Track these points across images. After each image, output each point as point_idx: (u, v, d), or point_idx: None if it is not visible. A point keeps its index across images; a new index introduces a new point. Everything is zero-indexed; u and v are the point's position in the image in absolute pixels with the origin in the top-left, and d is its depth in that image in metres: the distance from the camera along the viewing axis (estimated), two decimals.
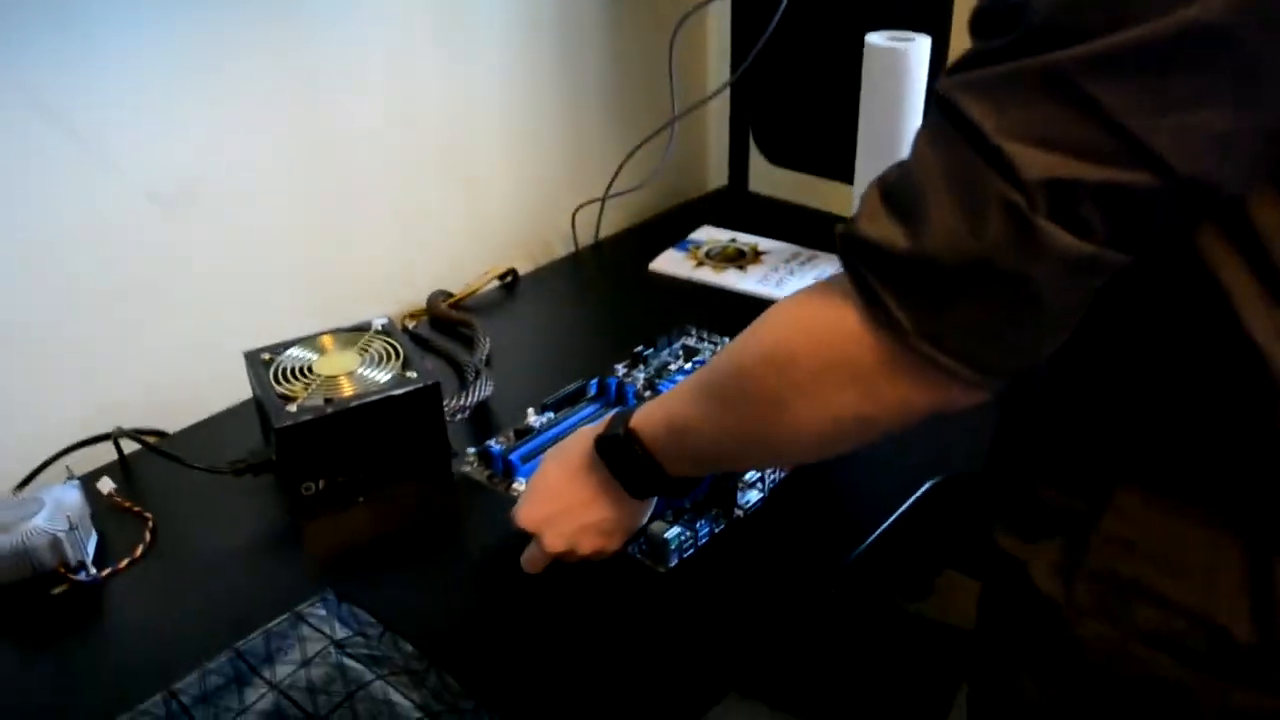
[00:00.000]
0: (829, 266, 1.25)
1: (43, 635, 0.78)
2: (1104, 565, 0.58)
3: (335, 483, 0.91)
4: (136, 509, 0.89)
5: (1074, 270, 0.49)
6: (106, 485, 0.90)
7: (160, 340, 1.04)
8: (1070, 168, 0.47)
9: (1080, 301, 0.52)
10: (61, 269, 0.95)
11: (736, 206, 1.48)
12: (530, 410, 0.94)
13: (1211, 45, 0.45)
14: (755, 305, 1.20)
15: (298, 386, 0.91)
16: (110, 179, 0.96)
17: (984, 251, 0.49)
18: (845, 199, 1.29)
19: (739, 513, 0.84)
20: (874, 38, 1.15)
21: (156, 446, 0.92)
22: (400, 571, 0.83)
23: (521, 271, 1.30)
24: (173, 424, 1.01)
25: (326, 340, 0.97)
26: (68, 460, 0.92)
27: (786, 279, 1.23)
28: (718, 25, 1.47)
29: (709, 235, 1.35)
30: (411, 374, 0.93)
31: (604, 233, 1.40)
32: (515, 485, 0.89)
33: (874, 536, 0.84)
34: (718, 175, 1.56)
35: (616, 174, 1.36)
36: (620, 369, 1.01)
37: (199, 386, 1.04)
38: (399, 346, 0.96)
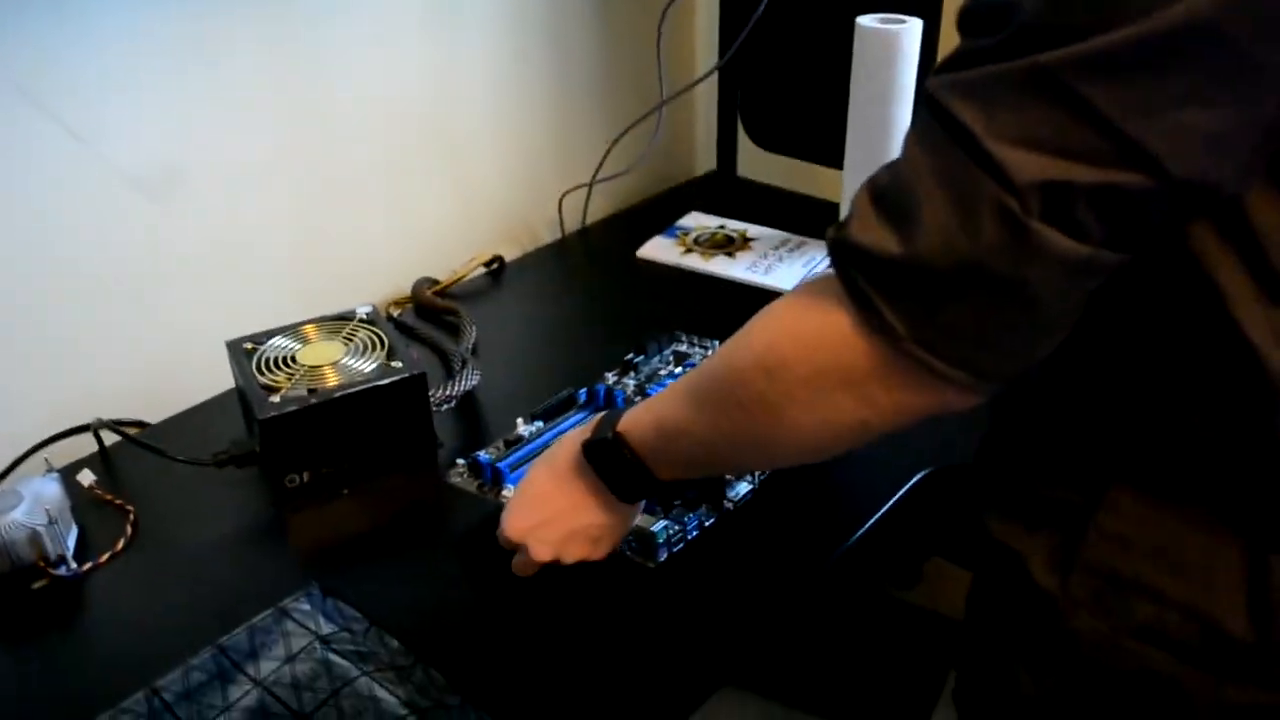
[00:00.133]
0: (818, 253, 1.24)
1: (22, 631, 0.77)
2: (1100, 560, 0.57)
3: (320, 474, 0.89)
4: (118, 502, 0.87)
5: (1069, 272, 0.49)
6: (87, 477, 0.88)
7: (142, 329, 1.02)
8: (1063, 170, 0.46)
9: (1076, 303, 0.51)
10: (42, 257, 0.93)
11: (725, 192, 1.47)
12: (519, 420, 0.93)
13: (1203, 43, 0.44)
14: (744, 292, 1.21)
15: (281, 377, 0.90)
16: (92, 165, 0.94)
17: (978, 255, 0.48)
18: (835, 184, 1.28)
19: (728, 505, 0.83)
20: (865, 20, 1.14)
21: (137, 438, 0.90)
22: (386, 565, 0.82)
23: (508, 258, 1.29)
24: (155, 414, 0.99)
25: (310, 329, 0.96)
26: (47, 452, 0.91)
27: (775, 266, 1.22)
28: (706, 7, 1.45)
29: (697, 221, 1.34)
30: (396, 363, 0.91)
31: (591, 219, 1.38)
32: (505, 493, 0.87)
33: (865, 528, 0.83)
34: (706, 160, 1.55)
35: (603, 159, 1.34)
36: (610, 376, 0.99)
37: (181, 376, 1.03)
38: (384, 335, 0.95)
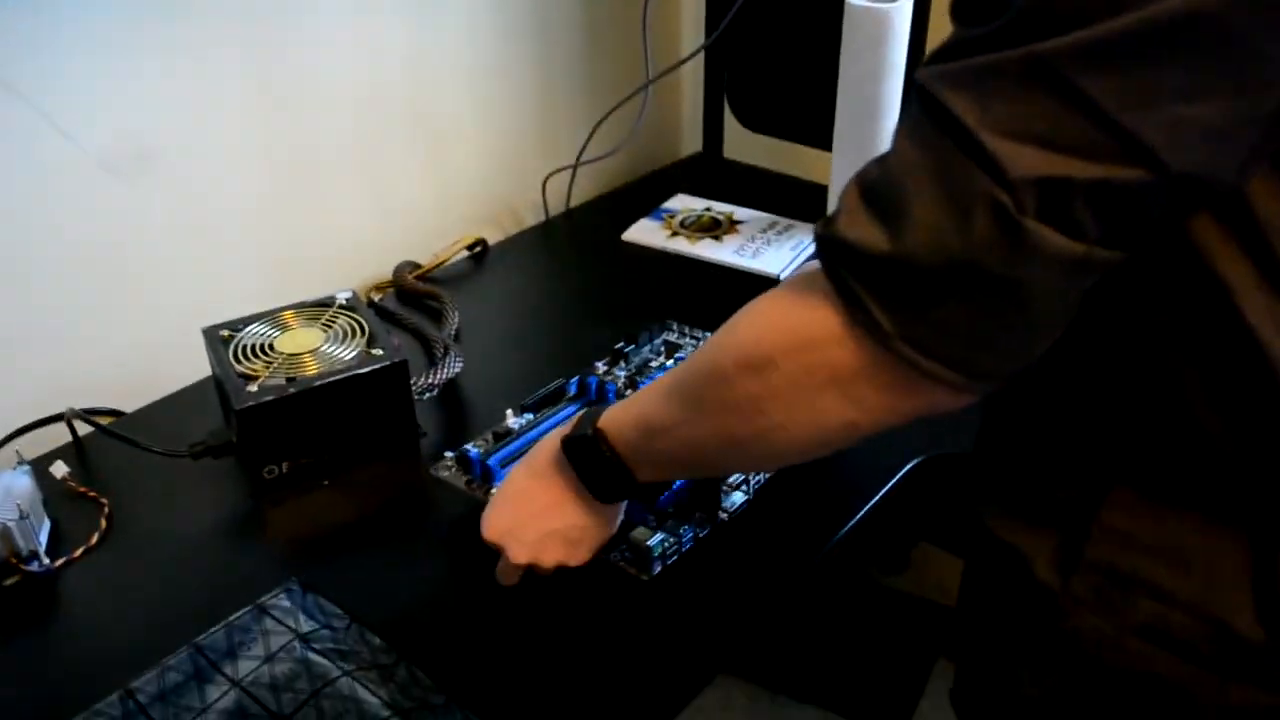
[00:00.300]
0: (806, 236, 1.23)
1: None
2: (1103, 557, 0.56)
3: (299, 465, 0.87)
4: (92, 494, 0.85)
5: (1064, 271, 0.47)
6: (60, 469, 0.86)
7: (115, 316, 1.00)
8: (1060, 165, 0.45)
9: (1071, 302, 0.50)
10: (9, 242, 0.91)
11: (711, 174, 1.45)
12: (509, 412, 0.90)
13: (1204, 33, 0.43)
14: (731, 276, 1.19)
15: (259, 365, 0.88)
16: (60, 146, 0.91)
17: (970, 253, 0.47)
18: (823, 166, 1.26)
19: (723, 516, 0.81)
20: None
21: (111, 429, 0.88)
22: (368, 559, 0.80)
23: (491, 241, 1.26)
24: (130, 403, 0.97)
25: (289, 316, 0.94)
26: (18, 444, 0.88)
27: (763, 249, 1.20)
28: None
29: (683, 204, 1.32)
30: (377, 351, 0.89)
31: (575, 201, 1.36)
32: (493, 490, 0.84)
33: (856, 519, 0.82)
34: (691, 141, 1.53)
35: (588, 140, 1.32)
36: (601, 366, 0.97)
37: (157, 364, 1.00)
38: (364, 322, 0.93)
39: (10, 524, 0.76)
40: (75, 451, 0.91)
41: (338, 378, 0.86)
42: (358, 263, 1.18)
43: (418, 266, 1.19)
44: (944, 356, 0.50)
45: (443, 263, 1.20)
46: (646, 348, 0.99)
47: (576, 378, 0.93)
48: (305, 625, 0.72)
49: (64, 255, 0.94)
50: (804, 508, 0.83)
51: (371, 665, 0.69)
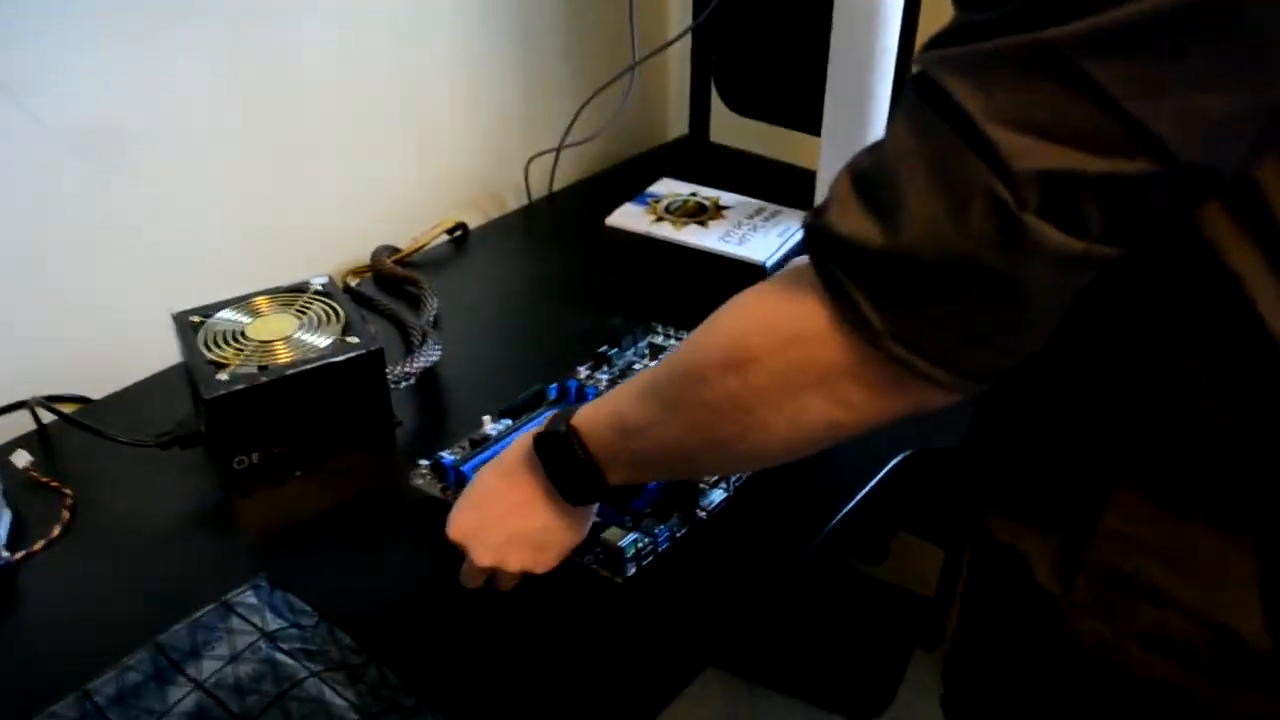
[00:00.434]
0: (793, 223, 1.20)
1: None
2: (1106, 561, 0.54)
3: (270, 455, 0.85)
4: (55, 484, 0.82)
5: (1063, 268, 0.46)
6: (22, 458, 0.83)
7: (83, 300, 0.97)
8: (1065, 158, 0.43)
9: (1066, 299, 0.48)
10: None
11: (697, 158, 1.43)
12: (486, 418, 0.87)
13: (1216, 21, 0.41)
14: (717, 263, 1.16)
15: (229, 352, 0.85)
16: (28, 128, 0.88)
17: (966, 249, 0.45)
18: (811, 151, 1.24)
19: (701, 514, 0.78)
20: None
21: (75, 417, 0.85)
22: (339, 554, 0.78)
23: (471, 225, 1.24)
24: (97, 390, 0.94)
25: (261, 302, 0.91)
26: None
27: (750, 235, 1.18)
28: None
29: (668, 188, 1.29)
30: (353, 339, 0.87)
31: (558, 184, 1.34)
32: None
33: (840, 516, 0.80)
34: (678, 124, 1.50)
35: (572, 123, 1.29)
36: (583, 370, 0.94)
37: (126, 350, 0.97)
38: (339, 308, 0.90)
39: None
40: (38, 440, 0.88)
41: (311, 366, 0.84)
42: (334, 247, 1.15)
43: (396, 251, 1.16)
44: (935, 355, 0.48)
45: (422, 247, 1.18)
46: (630, 351, 0.96)
47: (556, 384, 0.90)
48: (272, 623, 0.69)
49: (31, 239, 0.91)
50: (786, 505, 0.81)
51: (340, 665, 0.67)
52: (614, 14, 1.28)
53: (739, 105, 1.39)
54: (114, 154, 0.95)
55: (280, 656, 0.67)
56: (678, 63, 1.46)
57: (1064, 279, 0.46)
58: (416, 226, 1.19)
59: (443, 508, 0.72)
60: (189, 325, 0.88)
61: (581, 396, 0.89)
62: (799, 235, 1.18)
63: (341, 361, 0.85)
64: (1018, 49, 0.43)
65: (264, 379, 0.82)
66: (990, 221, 0.44)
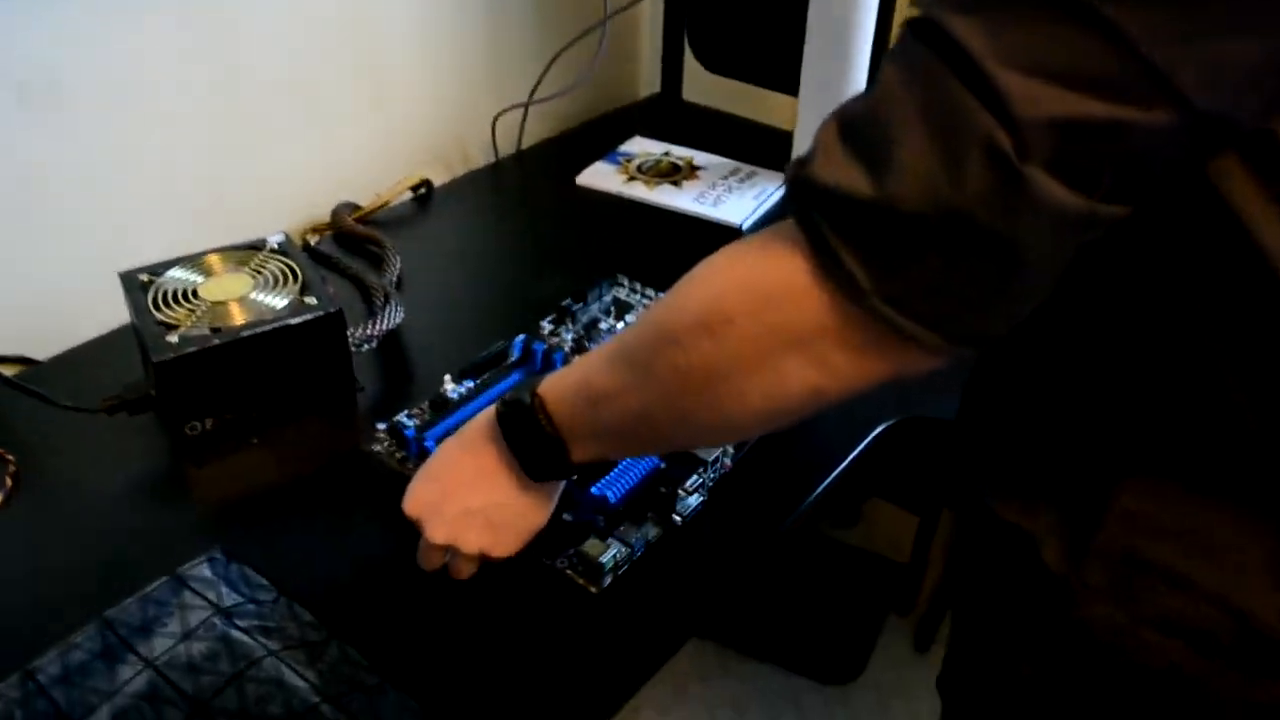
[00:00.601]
0: (770, 184, 1.17)
1: None
2: (1118, 543, 0.52)
3: (224, 421, 0.81)
4: None
5: (1064, 227, 0.43)
6: None
7: (27, 255, 0.92)
8: (1076, 105, 0.40)
9: (1064, 261, 0.45)
10: None
11: (669, 116, 1.39)
12: (447, 378, 0.83)
13: None
14: (691, 225, 1.13)
15: (180, 313, 0.81)
16: None
17: (960, 203, 0.42)
18: (787, 111, 1.21)
19: (676, 520, 0.74)
20: None
21: (17, 380, 0.81)
22: (299, 525, 0.74)
23: (436, 183, 1.19)
24: (43, 351, 0.90)
25: (214, 260, 0.87)
26: None
27: (725, 197, 1.14)
28: None
29: (641, 148, 1.25)
30: (310, 300, 0.83)
31: (527, 142, 1.29)
32: None
33: (819, 490, 0.77)
34: (650, 82, 1.46)
35: (541, 77, 1.25)
36: (546, 326, 0.90)
37: (73, 309, 0.93)
38: (297, 268, 0.86)
39: None
40: None
41: (267, 328, 0.80)
42: (292, 203, 1.10)
43: (357, 208, 1.12)
44: (922, 316, 0.45)
45: (384, 204, 1.14)
46: (595, 305, 0.92)
47: (520, 340, 0.86)
48: (228, 598, 0.66)
49: None
50: (764, 479, 0.78)
51: (299, 643, 0.63)
52: None
53: (713, 63, 1.35)
54: (56, 103, 0.89)
55: (236, 634, 0.64)
56: (650, 18, 1.42)
57: (1064, 240, 0.43)
58: (379, 183, 1.15)
59: (402, 481, 0.68)
60: (138, 284, 0.84)
61: (547, 359, 0.85)
62: (776, 197, 1.16)
63: (299, 323, 0.81)
64: None
65: (217, 341, 0.78)
66: (987, 174, 0.41)
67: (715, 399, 0.52)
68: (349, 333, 0.86)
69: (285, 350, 0.81)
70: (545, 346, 0.86)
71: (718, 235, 1.10)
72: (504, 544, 0.66)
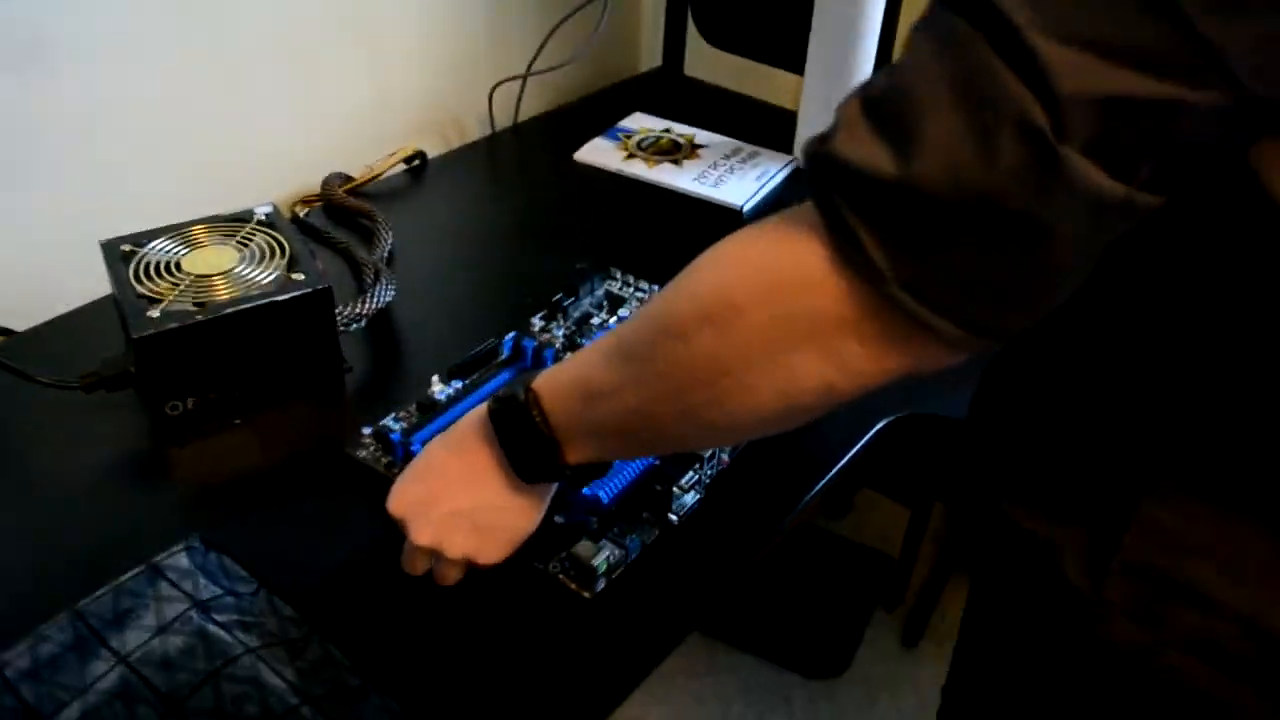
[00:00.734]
0: (773, 165, 1.14)
1: None
2: (1143, 560, 0.49)
3: (206, 401, 0.78)
4: None
5: (1099, 216, 0.40)
6: None
7: (6, 221, 0.88)
8: (1122, 81, 0.37)
9: (1095, 253, 0.42)
10: None
11: (670, 92, 1.35)
12: (435, 378, 0.79)
13: None
14: (691, 205, 1.10)
15: (163, 286, 0.78)
16: None
17: (990, 185, 0.39)
18: (792, 90, 1.18)
19: (673, 519, 0.71)
20: None
21: None
22: (282, 513, 0.71)
23: (430, 154, 1.16)
24: (20, 322, 0.87)
25: (199, 231, 0.83)
26: None
27: (726, 178, 1.11)
28: None
29: (640, 124, 1.22)
30: (298, 275, 0.80)
31: (524, 115, 1.26)
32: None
33: (819, 487, 0.75)
34: (651, 56, 1.43)
35: (540, 49, 1.21)
36: (537, 322, 0.86)
37: (53, 279, 0.89)
38: (285, 242, 0.83)
39: None
40: None
41: (253, 304, 0.77)
42: (281, 173, 1.07)
43: (349, 179, 1.08)
44: (944, 306, 0.42)
45: (377, 176, 1.10)
46: (587, 300, 0.89)
47: (510, 337, 0.83)
48: (205, 590, 0.63)
49: None
50: (762, 479, 0.75)
51: (280, 640, 0.61)
52: None
53: (717, 38, 1.32)
54: (40, 67, 0.86)
55: (213, 629, 0.61)
56: None
57: (1098, 229, 0.41)
58: (371, 154, 1.11)
59: (386, 483, 0.65)
60: (119, 255, 0.80)
61: (538, 357, 0.82)
62: (779, 179, 1.13)
63: (286, 300, 0.78)
64: None
65: (200, 317, 0.75)
66: (1021, 152, 0.38)
67: (720, 395, 0.49)
68: (338, 311, 0.83)
69: (271, 328, 0.78)
70: (535, 343, 0.82)
71: (718, 217, 1.07)
72: (491, 549, 0.63)
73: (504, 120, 1.24)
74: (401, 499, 0.63)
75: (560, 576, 0.67)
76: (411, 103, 1.18)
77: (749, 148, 1.17)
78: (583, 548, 0.67)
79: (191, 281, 0.78)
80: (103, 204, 0.92)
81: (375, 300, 0.88)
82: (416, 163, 1.14)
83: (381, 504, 0.63)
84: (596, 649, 0.64)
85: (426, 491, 0.62)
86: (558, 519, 0.68)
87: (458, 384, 0.80)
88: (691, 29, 1.35)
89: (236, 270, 0.80)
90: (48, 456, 0.75)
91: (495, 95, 1.22)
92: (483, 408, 0.61)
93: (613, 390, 0.54)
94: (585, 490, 0.68)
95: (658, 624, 0.66)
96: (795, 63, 1.14)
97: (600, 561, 0.66)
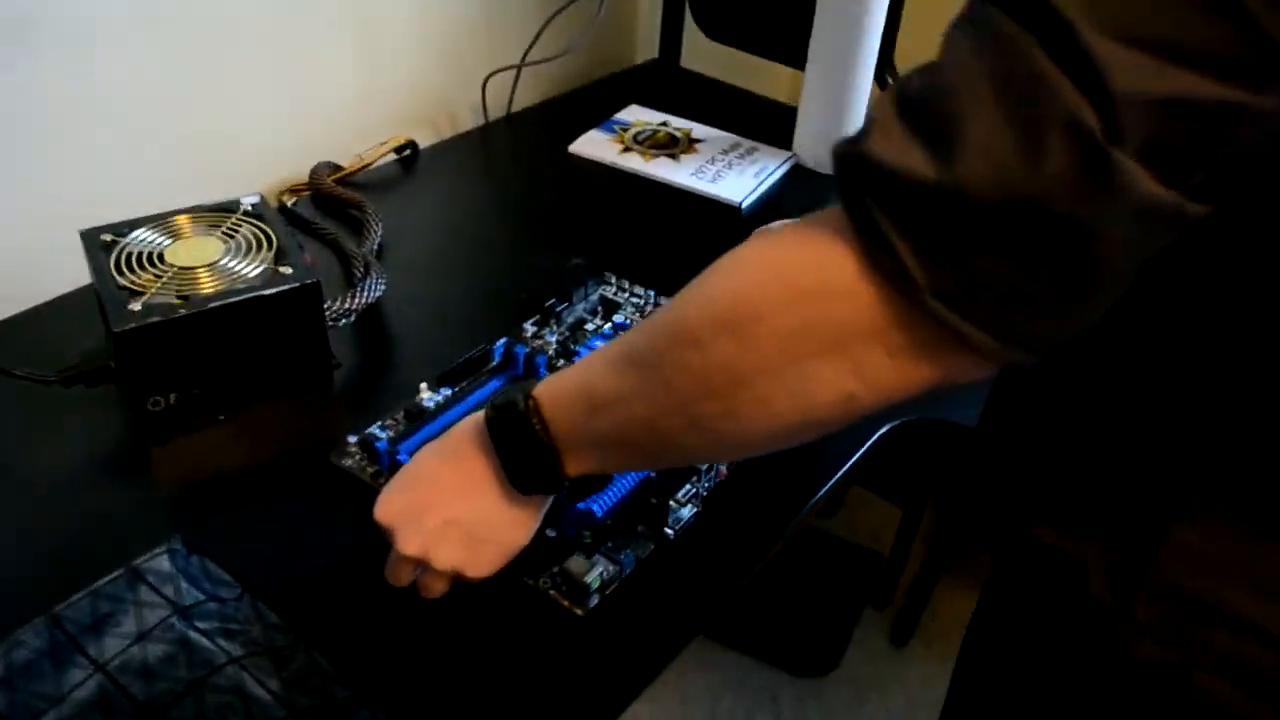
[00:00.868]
0: (772, 161, 1.12)
1: None
2: (1172, 580, 0.48)
3: (189, 397, 0.76)
4: None
5: (1148, 225, 0.38)
6: None
7: None
8: (1180, 82, 0.35)
9: (1139, 264, 0.40)
10: None
11: (667, 84, 1.33)
12: (423, 386, 0.77)
13: None
14: (687, 200, 1.08)
15: (146, 278, 0.75)
16: None
17: (1036, 189, 0.37)
18: (792, 86, 1.16)
19: (669, 533, 0.69)
20: None
21: None
22: (268, 515, 0.69)
23: (422, 144, 1.13)
24: (2, 309, 0.84)
25: (183, 221, 0.81)
26: None
27: (724, 173, 1.09)
28: None
29: (637, 117, 1.20)
30: (286, 269, 0.77)
31: (518, 105, 1.23)
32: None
33: (820, 494, 0.73)
34: (647, 47, 1.40)
35: (535, 39, 1.19)
36: (529, 328, 0.84)
37: (28, 268, 0.87)
38: (272, 233, 0.80)
39: None
40: None
41: (239, 298, 0.74)
42: (268, 161, 1.04)
43: (338, 169, 1.06)
44: (980, 317, 0.40)
45: (367, 165, 1.08)
46: (581, 305, 0.86)
47: (501, 344, 0.80)
48: (187, 596, 0.61)
49: None
50: (761, 490, 0.73)
51: (264, 648, 0.59)
52: None
53: (715, 31, 1.30)
54: (17, 47, 0.83)
55: (195, 636, 0.59)
56: None
57: (1146, 236, 0.39)
58: (361, 143, 1.09)
59: (372, 493, 0.62)
60: (100, 245, 0.78)
61: (530, 364, 0.79)
62: (778, 176, 1.11)
63: (273, 294, 0.75)
64: None
65: (184, 311, 0.73)
66: (1070, 156, 0.36)
67: (734, 407, 0.47)
68: (326, 305, 0.80)
69: (257, 323, 0.76)
70: (528, 350, 0.80)
71: (716, 213, 1.05)
72: (480, 563, 0.60)
73: (497, 110, 1.22)
74: (389, 507, 0.60)
75: (551, 593, 0.64)
76: (403, 91, 1.16)
77: (747, 143, 1.15)
78: (575, 563, 0.64)
79: (175, 274, 0.76)
80: (83, 191, 0.89)
81: (365, 295, 0.86)
82: (407, 153, 1.12)
83: (368, 514, 0.61)
84: (589, 667, 0.61)
85: (417, 500, 0.60)
86: (549, 533, 0.66)
87: (446, 391, 0.78)
88: (689, 21, 1.33)
89: (222, 262, 0.77)
90: (24, 454, 0.72)
91: (489, 85, 1.19)
92: (479, 415, 0.59)
93: (618, 399, 0.51)
94: (578, 504, 0.66)
95: (651, 642, 0.64)
96: (795, 57, 1.12)
97: (593, 578, 0.63)
